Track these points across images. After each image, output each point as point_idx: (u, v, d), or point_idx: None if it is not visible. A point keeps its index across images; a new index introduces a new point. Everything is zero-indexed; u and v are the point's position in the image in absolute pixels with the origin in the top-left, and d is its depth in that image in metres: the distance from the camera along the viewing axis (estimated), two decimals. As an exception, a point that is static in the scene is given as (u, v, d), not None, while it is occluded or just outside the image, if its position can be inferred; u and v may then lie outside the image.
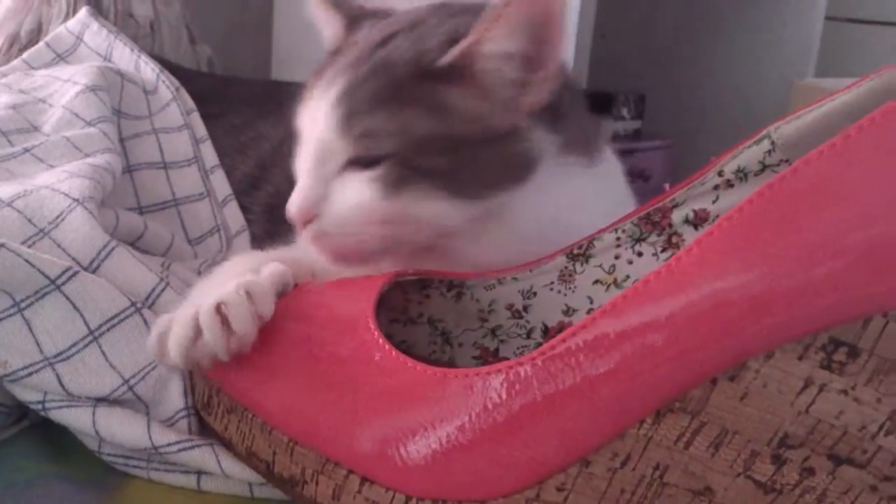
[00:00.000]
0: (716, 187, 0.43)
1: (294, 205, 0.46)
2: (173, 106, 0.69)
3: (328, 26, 0.55)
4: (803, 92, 0.95)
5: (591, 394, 0.35)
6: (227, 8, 1.06)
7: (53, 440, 0.43)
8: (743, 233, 0.34)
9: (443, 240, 0.47)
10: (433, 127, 0.44)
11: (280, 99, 0.71)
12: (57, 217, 0.46)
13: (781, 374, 0.35)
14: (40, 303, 0.41)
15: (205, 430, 0.43)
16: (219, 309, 0.38)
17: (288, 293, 0.45)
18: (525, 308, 0.48)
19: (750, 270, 0.34)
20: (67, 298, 0.41)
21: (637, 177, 1.16)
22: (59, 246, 0.44)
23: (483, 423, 0.36)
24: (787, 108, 1.05)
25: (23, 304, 0.41)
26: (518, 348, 0.48)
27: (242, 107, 0.75)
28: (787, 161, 0.41)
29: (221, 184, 0.68)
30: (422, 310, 0.49)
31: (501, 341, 0.49)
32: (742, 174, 0.42)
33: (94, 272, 0.44)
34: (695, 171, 0.44)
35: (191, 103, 0.71)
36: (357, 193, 0.45)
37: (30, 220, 0.45)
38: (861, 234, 0.33)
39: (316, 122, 0.46)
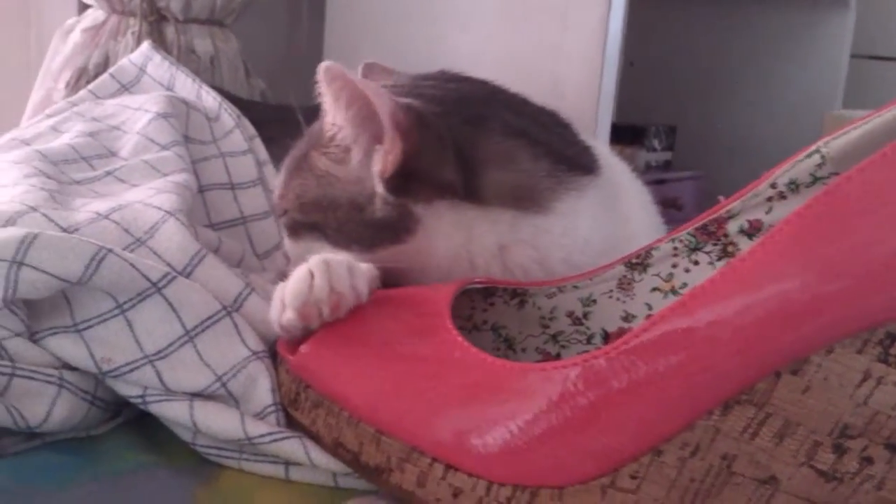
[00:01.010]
0: (769, 199, 0.45)
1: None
2: (237, 132, 0.73)
3: None
4: (835, 122, 0.98)
5: (663, 385, 0.37)
6: (279, 43, 1.11)
7: (149, 434, 0.46)
8: (802, 235, 0.36)
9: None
10: (313, 189, 0.52)
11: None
12: (151, 227, 0.49)
13: (841, 368, 0.37)
14: (142, 304, 0.45)
15: (291, 424, 0.46)
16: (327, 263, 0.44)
17: (365, 303, 0.48)
18: (585, 315, 0.51)
19: (809, 271, 0.36)
20: (166, 301, 0.45)
21: (670, 206, 1.19)
22: (155, 253, 0.48)
23: (561, 413, 0.38)
24: (818, 138, 1.07)
25: (126, 306, 0.44)
26: (580, 353, 0.51)
27: (294, 129, 0.79)
28: (836, 174, 0.43)
29: None
30: (486, 317, 0.52)
31: (562, 347, 0.51)
32: (794, 186, 0.44)
33: (187, 277, 0.48)
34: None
35: (252, 130, 0.75)
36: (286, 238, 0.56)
37: (127, 231, 0.49)
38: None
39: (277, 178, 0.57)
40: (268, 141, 0.75)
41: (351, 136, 0.50)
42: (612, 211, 0.54)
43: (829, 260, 0.36)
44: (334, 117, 0.50)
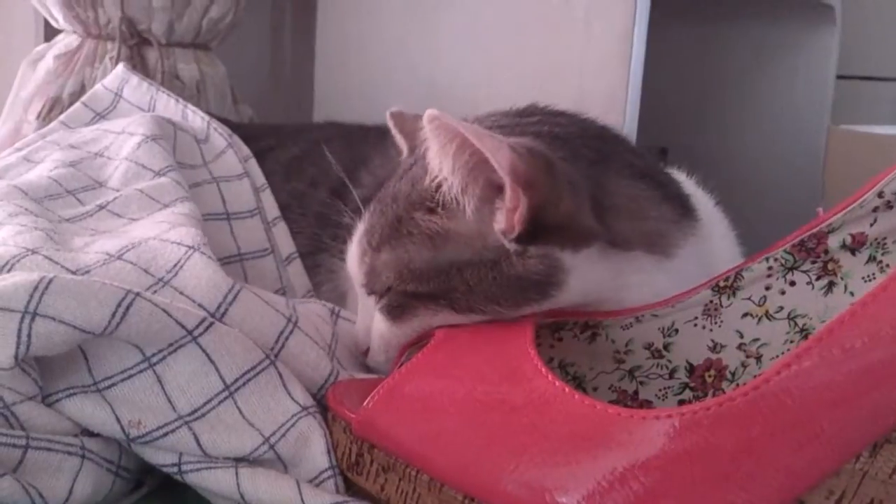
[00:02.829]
0: (875, 209, 0.41)
1: (350, 338, 0.50)
2: (230, 153, 0.66)
3: (402, 147, 0.56)
4: (841, 137, 0.97)
5: (810, 427, 0.32)
6: (263, 67, 1.05)
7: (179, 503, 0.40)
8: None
9: None
10: (426, 253, 0.45)
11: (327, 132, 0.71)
12: (175, 265, 0.43)
13: None
14: (173, 356, 0.38)
15: (351, 492, 0.39)
16: None
17: (433, 342, 0.42)
18: (666, 346, 0.46)
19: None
20: (203, 351, 0.38)
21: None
22: (181, 293, 0.41)
23: (695, 466, 0.33)
24: (821, 152, 1.06)
25: (154, 359, 0.38)
26: (661, 390, 0.45)
27: (294, 138, 0.73)
28: (949, 176, 0.39)
29: (284, 238, 0.65)
30: (552, 353, 0.47)
31: (641, 383, 0.46)
32: (903, 194, 0.40)
33: (221, 318, 0.41)
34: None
35: (246, 150, 0.68)
36: (378, 323, 0.48)
37: (146, 271, 0.42)
38: None
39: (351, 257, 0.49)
40: (264, 153, 0.68)
41: (459, 185, 0.43)
42: (711, 253, 0.51)
43: None
44: (440, 168, 0.43)
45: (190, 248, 0.44)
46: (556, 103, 0.55)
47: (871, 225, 0.42)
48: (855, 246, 0.42)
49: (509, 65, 0.84)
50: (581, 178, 0.45)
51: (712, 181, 0.59)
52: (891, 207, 0.41)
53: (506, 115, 0.54)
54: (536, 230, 0.42)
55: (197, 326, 0.38)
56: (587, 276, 0.44)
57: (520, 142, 0.42)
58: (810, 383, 0.32)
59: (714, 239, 0.53)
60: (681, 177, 0.58)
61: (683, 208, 0.50)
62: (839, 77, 1.30)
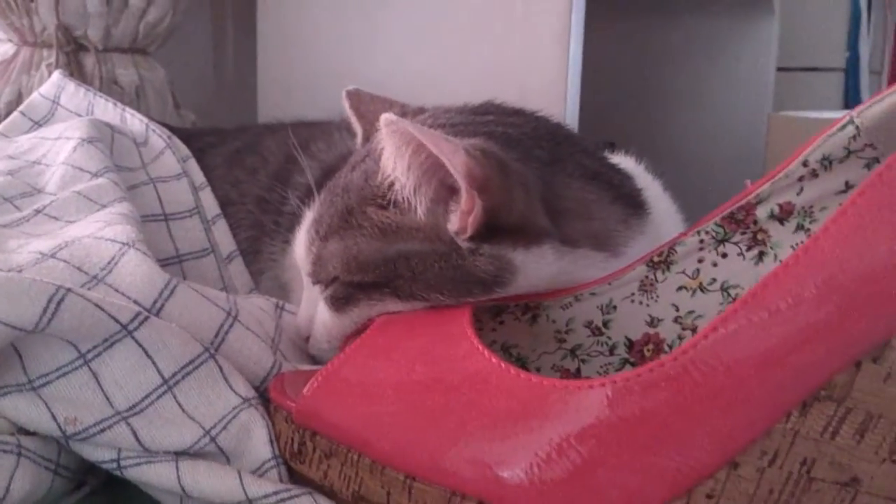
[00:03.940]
0: (801, 178, 0.42)
1: (292, 326, 0.51)
2: (167, 153, 0.66)
3: (356, 129, 0.57)
4: (780, 123, 0.99)
5: (739, 388, 0.33)
6: (206, 72, 1.05)
7: (122, 502, 0.39)
8: (878, 205, 0.33)
9: None
10: (375, 244, 0.45)
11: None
12: (109, 262, 0.42)
13: (925, 351, 0.33)
14: (109, 352, 0.38)
15: (295, 480, 0.39)
16: None
17: (372, 328, 0.42)
18: (605, 324, 0.46)
19: (889, 242, 0.33)
20: (139, 345, 0.38)
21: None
22: (117, 291, 0.41)
23: (628, 431, 0.33)
24: (763, 139, 1.08)
25: (89, 356, 0.37)
26: (602, 367, 0.46)
27: (235, 135, 0.73)
28: (871, 146, 0.40)
29: (225, 237, 0.64)
30: (495, 336, 0.47)
31: (582, 361, 0.47)
32: (827, 162, 0.41)
33: (157, 314, 0.41)
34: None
35: (185, 150, 0.68)
36: (322, 313, 0.48)
37: (79, 269, 0.42)
38: None
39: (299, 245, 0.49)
40: (205, 149, 0.68)
41: (411, 186, 0.43)
42: (660, 243, 0.51)
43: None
44: (393, 169, 0.43)
45: (124, 244, 0.43)
46: (492, 94, 0.56)
47: (798, 194, 0.43)
48: (783, 215, 0.43)
49: (450, 62, 0.84)
50: (534, 180, 0.45)
51: (659, 168, 0.60)
52: (816, 176, 0.42)
53: (460, 112, 0.54)
54: (490, 230, 0.43)
55: (132, 321, 0.38)
56: (535, 273, 0.44)
57: (474, 144, 0.43)
58: (737, 346, 0.33)
59: (663, 227, 0.54)
60: (630, 163, 0.59)
61: (633, 206, 0.51)
62: (780, 69, 1.33)
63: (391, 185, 0.44)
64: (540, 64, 0.77)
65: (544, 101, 0.76)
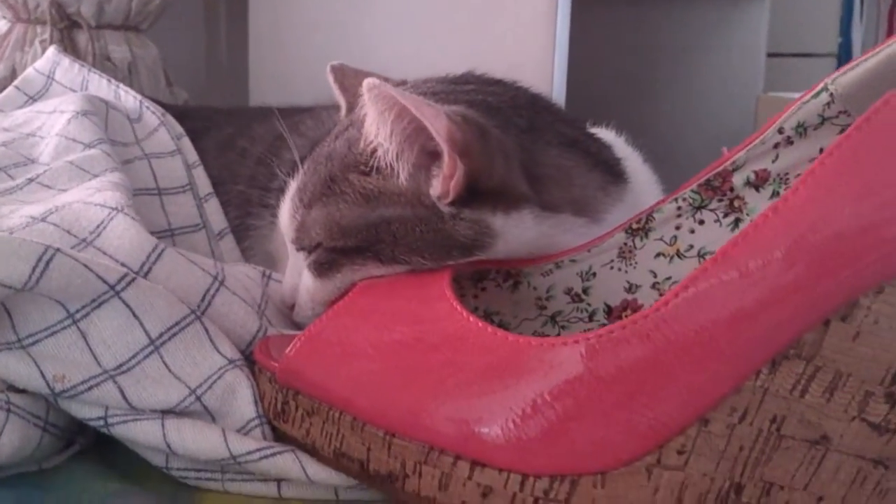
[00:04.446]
0: (776, 145, 0.43)
1: (277, 295, 0.51)
2: (162, 130, 0.66)
3: (340, 102, 0.57)
4: (769, 104, 1.00)
5: (709, 345, 0.34)
6: (198, 51, 1.05)
7: (112, 461, 0.40)
8: (845, 167, 0.34)
9: None
10: (357, 210, 0.45)
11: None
12: (98, 226, 0.43)
13: (892, 309, 0.34)
14: (97, 312, 0.38)
15: (279, 439, 0.40)
16: None
17: (353, 291, 0.43)
18: (585, 290, 0.47)
19: (855, 203, 0.33)
20: (127, 306, 0.39)
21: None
22: (104, 254, 0.42)
23: (601, 387, 0.34)
24: (752, 122, 1.09)
25: (77, 316, 0.38)
26: (582, 333, 0.47)
27: (227, 119, 0.74)
28: (845, 112, 0.41)
29: (216, 214, 0.65)
30: (477, 303, 0.48)
31: (562, 327, 0.47)
32: (802, 129, 0.42)
33: (145, 276, 0.42)
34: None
35: (179, 128, 0.68)
36: (306, 279, 0.48)
37: (68, 232, 0.42)
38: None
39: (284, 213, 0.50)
40: (199, 133, 0.69)
41: (394, 152, 0.44)
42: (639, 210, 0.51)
43: (876, 188, 0.33)
44: (376, 135, 0.44)
45: (113, 209, 0.44)
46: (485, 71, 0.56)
47: (774, 161, 0.43)
48: (759, 182, 0.44)
49: (440, 42, 0.85)
50: (513, 146, 0.46)
51: (651, 147, 0.61)
52: (791, 143, 0.43)
53: (441, 81, 0.55)
54: (470, 195, 0.43)
55: (119, 282, 0.39)
56: (515, 238, 0.45)
57: (454, 110, 0.43)
58: (707, 304, 0.34)
59: (642, 196, 0.55)
60: (610, 136, 0.60)
61: (612, 174, 0.51)
62: (771, 55, 1.34)
63: (373, 151, 0.44)
64: (528, 42, 0.77)
65: (531, 79, 0.77)
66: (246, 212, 0.64)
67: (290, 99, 0.78)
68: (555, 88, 0.76)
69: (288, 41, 0.96)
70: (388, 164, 0.44)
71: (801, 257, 0.33)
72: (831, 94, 0.41)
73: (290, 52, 0.97)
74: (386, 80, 0.56)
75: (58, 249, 0.37)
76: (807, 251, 0.33)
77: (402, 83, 0.55)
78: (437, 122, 0.41)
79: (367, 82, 0.41)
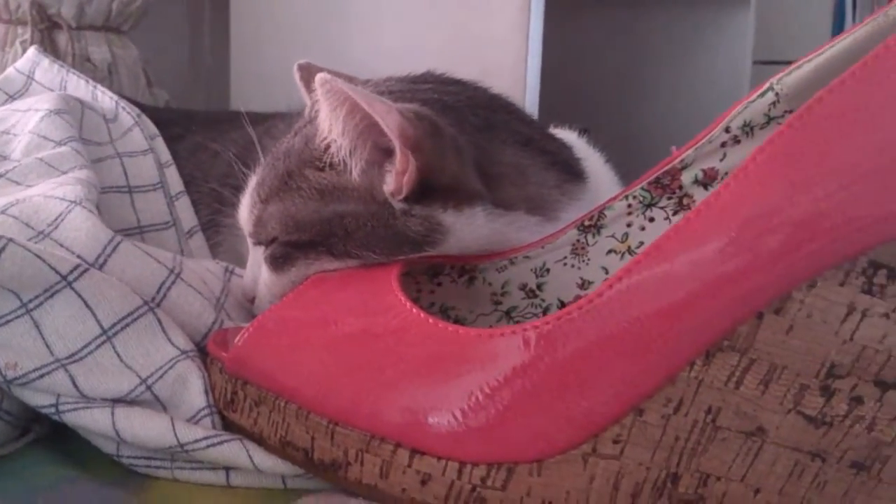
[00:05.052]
0: (723, 144, 0.43)
1: (239, 288, 0.52)
2: (136, 131, 0.67)
3: (307, 100, 0.57)
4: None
5: (641, 337, 0.35)
6: (182, 53, 1.06)
7: (66, 449, 0.41)
8: (779, 162, 0.34)
9: None
10: (312, 205, 0.46)
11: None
12: (56, 219, 0.44)
13: (825, 303, 0.35)
14: (50, 302, 0.39)
15: (229, 430, 0.41)
16: None
17: (304, 283, 0.44)
18: (539, 286, 0.48)
19: (788, 197, 0.34)
20: (79, 296, 0.39)
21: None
22: (61, 245, 0.42)
23: (536, 377, 0.35)
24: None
25: (31, 305, 0.39)
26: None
27: (202, 127, 0.74)
28: (791, 112, 0.42)
29: (187, 212, 0.66)
30: (433, 298, 0.49)
31: (517, 322, 0.48)
32: (748, 129, 0.43)
33: (100, 268, 0.42)
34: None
35: (153, 129, 0.69)
36: (264, 273, 0.49)
37: (27, 224, 0.43)
38: (889, 152, 0.34)
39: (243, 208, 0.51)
40: (174, 139, 0.70)
41: (347, 148, 0.44)
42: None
43: (807, 185, 0.34)
44: (329, 130, 0.45)
45: (72, 202, 0.45)
46: (453, 72, 0.57)
47: (721, 160, 0.44)
48: (707, 181, 0.44)
49: (418, 40, 0.86)
50: (466, 143, 0.46)
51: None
52: (738, 142, 0.43)
53: (401, 80, 0.55)
54: (423, 191, 0.44)
55: (71, 272, 0.39)
56: (468, 234, 0.45)
57: (407, 107, 0.44)
58: (639, 295, 0.34)
59: (601, 196, 0.55)
60: (571, 136, 0.60)
61: (569, 173, 0.52)
62: (758, 62, 1.34)
63: (327, 147, 0.45)
64: (501, 41, 0.78)
65: (506, 78, 0.78)
66: (217, 209, 0.65)
67: (270, 100, 0.79)
68: (528, 91, 0.77)
69: (269, 43, 0.97)
70: (342, 160, 0.45)
71: (733, 251, 0.34)
72: (777, 94, 0.42)
73: (270, 52, 0.98)
74: (352, 79, 0.57)
75: (10, 239, 0.38)
76: (738, 245, 0.34)
77: (366, 82, 0.56)
78: (388, 117, 0.42)
79: (319, 77, 0.42)
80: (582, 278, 0.47)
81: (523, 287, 0.48)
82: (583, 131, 1.39)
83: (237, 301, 0.51)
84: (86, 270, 0.40)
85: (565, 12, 0.87)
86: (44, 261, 0.39)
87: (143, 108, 0.74)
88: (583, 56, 1.37)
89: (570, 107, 1.33)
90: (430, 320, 0.37)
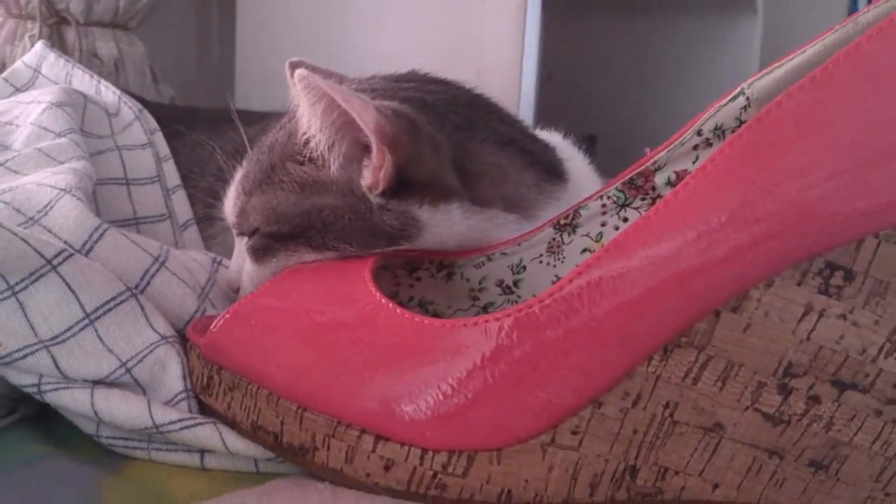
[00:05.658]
0: (695, 147, 0.44)
1: (223, 279, 0.53)
2: (136, 125, 0.69)
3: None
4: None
5: (599, 331, 0.35)
6: (189, 50, 1.08)
7: (49, 428, 0.42)
8: (738, 163, 0.35)
9: None
10: (293, 198, 0.47)
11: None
12: (46, 206, 0.45)
13: (782, 302, 0.35)
14: (35, 285, 0.41)
15: (205, 412, 0.42)
16: None
17: (282, 273, 0.45)
18: (515, 283, 0.49)
19: (747, 197, 0.35)
20: (63, 280, 0.41)
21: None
22: (49, 231, 0.44)
23: (496, 368, 0.36)
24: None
25: (17, 288, 0.40)
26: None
27: (204, 125, 0.76)
28: (763, 117, 0.42)
29: (183, 206, 0.67)
30: (412, 293, 0.50)
31: (493, 318, 0.49)
32: (720, 132, 0.43)
33: (86, 255, 0.44)
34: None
35: (154, 124, 0.71)
36: (247, 264, 0.50)
37: (18, 210, 0.45)
38: (846, 157, 0.34)
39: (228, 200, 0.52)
40: (175, 135, 0.71)
41: (325, 143, 0.46)
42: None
43: (766, 186, 0.35)
44: (308, 126, 0.46)
45: (62, 190, 0.46)
46: (450, 74, 0.58)
47: (694, 162, 0.45)
48: (679, 182, 0.45)
49: (415, 40, 0.87)
50: (445, 141, 0.47)
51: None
52: (710, 145, 0.44)
53: (384, 78, 0.57)
54: (400, 187, 0.45)
55: (56, 256, 0.41)
56: (444, 230, 0.46)
57: (385, 104, 0.45)
58: (599, 290, 0.35)
59: (581, 196, 0.56)
60: (556, 138, 0.61)
61: (549, 173, 0.53)
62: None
63: (307, 142, 0.46)
64: (498, 42, 0.79)
65: (501, 79, 0.78)
66: (211, 204, 0.66)
67: (275, 97, 0.80)
68: (523, 93, 0.78)
69: (275, 41, 0.99)
70: (321, 154, 0.46)
71: (690, 249, 0.35)
72: (748, 98, 0.42)
73: (276, 51, 0.99)
74: (342, 78, 0.58)
75: (-2, 224, 0.39)
76: (695, 243, 0.35)
77: (351, 80, 0.57)
78: (364, 114, 0.43)
79: (298, 73, 0.43)
80: (557, 276, 0.48)
81: (500, 283, 0.49)
82: (590, 138, 1.40)
83: (223, 291, 0.52)
84: (71, 255, 0.41)
85: (570, 19, 0.87)
86: (30, 245, 0.40)
87: (148, 105, 0.75)
88: (585, 60, 1.37)
89: (572, 111, 1.34)
90: (398, 311, 0.38)
